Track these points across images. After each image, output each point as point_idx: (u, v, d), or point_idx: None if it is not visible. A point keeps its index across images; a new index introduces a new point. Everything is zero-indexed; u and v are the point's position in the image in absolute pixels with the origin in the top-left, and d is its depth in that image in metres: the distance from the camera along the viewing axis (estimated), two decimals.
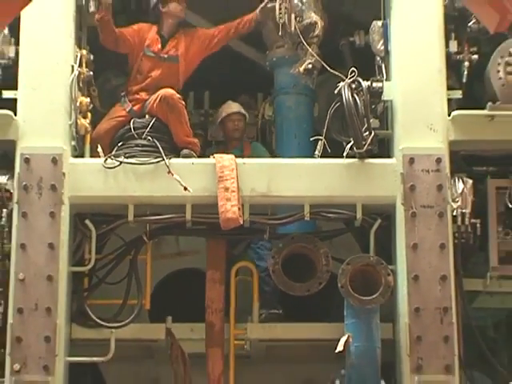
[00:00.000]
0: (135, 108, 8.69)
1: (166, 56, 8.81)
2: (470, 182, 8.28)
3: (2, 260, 8.13)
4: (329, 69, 8.62)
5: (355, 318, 7.88)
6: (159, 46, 8.82)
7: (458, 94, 8.52)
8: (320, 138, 8.48)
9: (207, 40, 8.92)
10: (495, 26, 7.14)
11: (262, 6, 8.85)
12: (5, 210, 8.15)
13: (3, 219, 8.14)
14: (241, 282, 8.82)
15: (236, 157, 8.38)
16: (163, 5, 8.83)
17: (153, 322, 8.93)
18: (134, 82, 8.83)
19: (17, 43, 8.41)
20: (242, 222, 8.13)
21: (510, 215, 8.51)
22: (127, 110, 8.70)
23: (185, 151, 8.55)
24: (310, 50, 8.69)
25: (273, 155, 9.19)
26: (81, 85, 8.46)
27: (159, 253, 9.10)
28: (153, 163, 8.25)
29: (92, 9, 8.60)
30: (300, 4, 8.78)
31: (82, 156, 8.53)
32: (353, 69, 8.36)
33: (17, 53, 8.39)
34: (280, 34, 8.74)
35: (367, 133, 8.20)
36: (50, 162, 8.11)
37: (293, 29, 8.68)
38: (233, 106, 9.18)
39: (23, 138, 8.21)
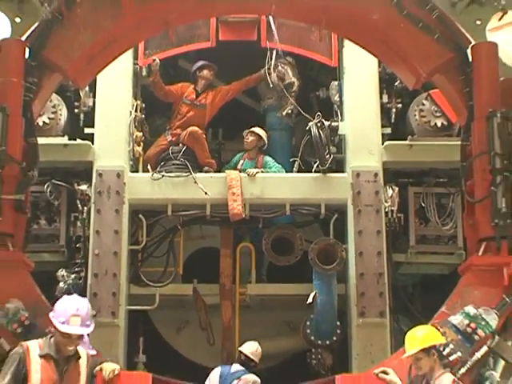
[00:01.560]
0: (173, 139, 8.65)
1: (198, 103, 8.74)
2: (397, 189, 8.25)
3: (84, 241, 8.14)
4: (302, 113, 8.65)
5: (320, 280, 7.91)
6: (194, 96, 8.76)
7: (388, 130, 8.53)
8: (296, 159, 8.53)
9: (226, 92, 8.85)
10: (413, 84, 7.28)
11: (267, 67, 8.77)
12: (85, 208, 8.16)
13: (84, 214, 8.15)
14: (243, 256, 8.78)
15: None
16: (199, 71, 8.82)
17: (184, 283, 8.82)
18: (175, 121, 8.76)
19: (94, 96, 8.44)
20: (244, 216, 8.16)
21: (422, 211, 8.54)
22: (168, 140, 8.66)
23: (205, 168, 8.53)
24: (291, 100, 8.72)
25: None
26: (136, 124, 8.46)
27: (188, 236, 8.99)
28: (184, 176, 8.25)
29: (144, 73, 8.65)
30: (283, 70, 8.77)
31: (137, 171, 8.50)
32: (318, 113, 8.38)
33: (94, 103, 8.43)
34: (270, 89, 8.79)
35: (328, 156, 8.22)
36: (116, 175, 8.16)
37: (278, 86, 8.73)
38: (254, 127, 8.73)
39: (98, 159, 8.24)
